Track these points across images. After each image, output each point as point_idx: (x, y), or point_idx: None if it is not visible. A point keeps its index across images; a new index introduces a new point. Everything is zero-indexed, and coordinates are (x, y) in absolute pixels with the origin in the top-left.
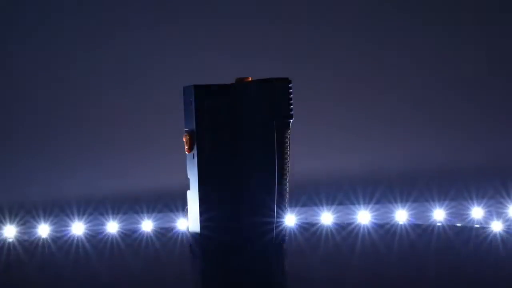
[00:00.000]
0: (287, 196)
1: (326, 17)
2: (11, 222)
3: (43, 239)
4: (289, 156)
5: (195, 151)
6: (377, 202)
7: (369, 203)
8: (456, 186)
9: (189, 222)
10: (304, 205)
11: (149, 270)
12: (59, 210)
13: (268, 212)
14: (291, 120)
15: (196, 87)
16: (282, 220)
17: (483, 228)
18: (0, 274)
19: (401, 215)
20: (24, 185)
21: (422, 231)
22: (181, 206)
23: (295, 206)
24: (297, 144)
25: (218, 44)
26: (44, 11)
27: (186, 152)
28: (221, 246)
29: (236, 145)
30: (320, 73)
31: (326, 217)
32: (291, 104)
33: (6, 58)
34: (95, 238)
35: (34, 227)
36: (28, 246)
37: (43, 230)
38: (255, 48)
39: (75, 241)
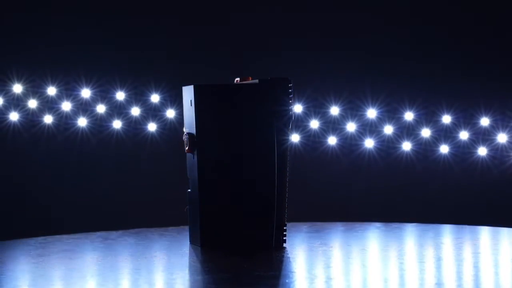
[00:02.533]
0: (287, 194)
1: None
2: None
3: None
4: (289, 156)
5: (195, 151)
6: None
7: None
8: None
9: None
10: None
11: None
12: None
13: (268, 211)
14: (291, 120)
15: (196, 87)
16: (282, 218)
17: None
18: None
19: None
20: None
21: None
22: None
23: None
24: None
25: (218, 44)
26: None
27: (186, 152)
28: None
29: (236, 145)
30: None
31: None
32: (291, 104)
33: None
34: None
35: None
36: None
37: None
38: (255, 48)
39: None
